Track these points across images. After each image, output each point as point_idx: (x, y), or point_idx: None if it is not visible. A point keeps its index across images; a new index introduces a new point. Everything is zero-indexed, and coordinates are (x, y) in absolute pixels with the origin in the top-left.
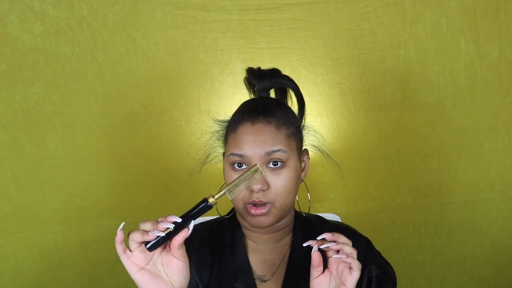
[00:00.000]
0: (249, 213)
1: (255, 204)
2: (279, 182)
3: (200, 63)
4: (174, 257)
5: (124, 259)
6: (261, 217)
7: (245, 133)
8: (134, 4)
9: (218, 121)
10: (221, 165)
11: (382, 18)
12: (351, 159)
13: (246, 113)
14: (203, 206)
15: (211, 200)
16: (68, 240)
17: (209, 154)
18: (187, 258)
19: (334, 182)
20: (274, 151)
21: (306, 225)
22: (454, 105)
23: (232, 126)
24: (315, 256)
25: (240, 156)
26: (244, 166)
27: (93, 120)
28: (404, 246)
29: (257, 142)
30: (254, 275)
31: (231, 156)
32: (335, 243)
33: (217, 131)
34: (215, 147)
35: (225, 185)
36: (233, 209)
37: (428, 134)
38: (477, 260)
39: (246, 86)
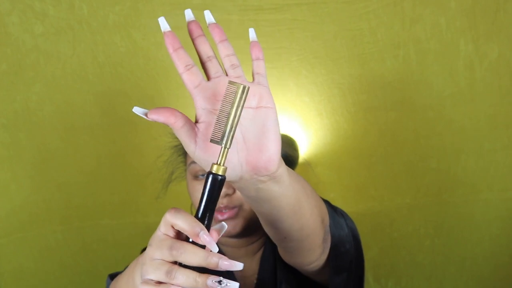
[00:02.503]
0: (216, 220)
1: (221, 210)
2: None
3: (200, 63)
4: None
5: None
6: (230, 221)
7: None
8: (134, 4)
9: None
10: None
11: (381, 18)
12: (351, 159)
13: None
14: (216, 183)
15: (216, 169)
16: (68, 240)
17: (173, 172)
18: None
19: (334, 182)
20: None
21: None
22: (454, 105)
23: None
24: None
25: None
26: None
27: (93, 120)
28: (404, 246)
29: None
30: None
31: (193, 165)
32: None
33: (176, 146)
34: (178, 164)
35: (218, 140)
36: None
37: (428, 134)
38: (477, 260)
39: None
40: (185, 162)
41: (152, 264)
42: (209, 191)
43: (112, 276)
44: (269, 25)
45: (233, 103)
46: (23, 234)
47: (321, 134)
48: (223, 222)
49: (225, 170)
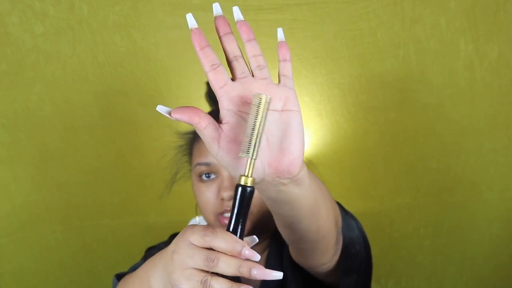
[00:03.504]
0: (222, 224)
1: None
2: None
3: (200, 63)
4: None
5: None
6: None
7: None
8: (134, 4)
9: (181, 134)
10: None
11: (382, 18)
12: (351, 159)
13: None
14: (246, 195)
15: (245, 180)
16: (68, 240)
17: (177, 172)
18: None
19: (334, 182)
20: None
21: None
22: (454, 105)
23: (195, 135)
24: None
25: (207, 164)
26: (212, 176)
27: (93, 120)
28: (404, 245)
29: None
30: None
31: (198, 167)
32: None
33: (181, 146)
34: (182, 164)
35: (245, 151)
36: None
37: (428, 134)
38: (476, 260)
39: (208, 103)
40: (190, 162)
41: (185, 273)
42: (239, 203)
43: (119, 276)
44: (269, 25)
45: (257, 114)
46: (23, 234)
47: (321, 134)
48: (254, 236)
49: (253, 181)
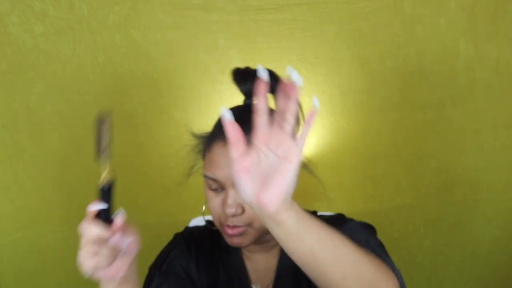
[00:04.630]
0: (225, 233)
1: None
2: None
3: (200, 63)
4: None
5: None
6: (238, 237)
7: (217, 154)
8: (134, 4)
9: (196, 136)
10: None
11: (382, 18)
12: (351, 159)
13: (219, 130)
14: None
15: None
16: (68, 240)
17: (194, 165)
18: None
19: (334, 182)
20: None
21: None
22: (454, 105)
23: (207, 143)
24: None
25: (214, 180)
26: (219, 190)
27: (93, 120)
28: (404, 245)
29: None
30: (251, 283)
31: (206, 178)
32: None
33: (196, 146)
34: (198, 159)
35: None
36: None
37: (428, 134)
38: (476, 260)
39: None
40: (203, 158)
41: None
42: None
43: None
44: (269, 25)
45: (98, 130)
46: (23, 234)
47: (321, 134)
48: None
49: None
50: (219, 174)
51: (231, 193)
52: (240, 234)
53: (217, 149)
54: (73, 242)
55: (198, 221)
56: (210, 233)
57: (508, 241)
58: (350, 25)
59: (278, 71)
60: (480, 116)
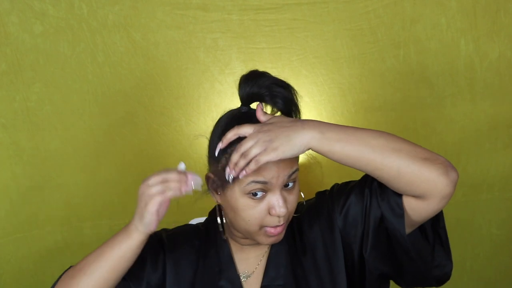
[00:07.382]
0: (266, 234)
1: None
2: (292, 200)
3: (200, 63)
4: None
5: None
6: (280, 234)
7: None
8: (134, 4)
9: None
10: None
11: (382, 18)
12: None
13: (237, 141)
14: None
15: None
16: (68, 240)
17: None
18: None
19: (334, 182)
20: (294, 172)
21: None
22: (454, 105)
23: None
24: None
25: (264, 183)
26: (263, 194)
27: (93, 120)
28: None
29: (282, 165)
30: (238, 272)
31: (252, 184)
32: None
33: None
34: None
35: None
36: (212, 211)
37: (428, 134)
38: (477, 260)
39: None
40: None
41: (150, 196)
42: None
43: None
44: (269, 25)
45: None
46: (23, 234)
47: None
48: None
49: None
50: (270, 175)
51: (281, 193)
52: (282, 232)
53: None
54: (73, 242)
55: (198, 221)
56: (196, 230)
57: (508, 241)
58: (350, 25)
59: (278, 71)
60: (480, 116)
